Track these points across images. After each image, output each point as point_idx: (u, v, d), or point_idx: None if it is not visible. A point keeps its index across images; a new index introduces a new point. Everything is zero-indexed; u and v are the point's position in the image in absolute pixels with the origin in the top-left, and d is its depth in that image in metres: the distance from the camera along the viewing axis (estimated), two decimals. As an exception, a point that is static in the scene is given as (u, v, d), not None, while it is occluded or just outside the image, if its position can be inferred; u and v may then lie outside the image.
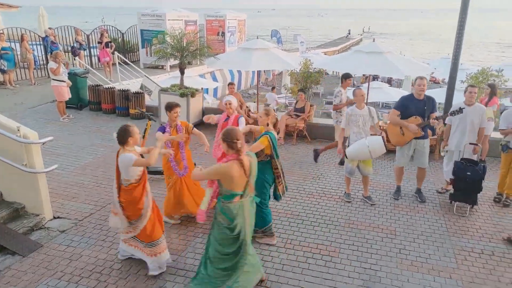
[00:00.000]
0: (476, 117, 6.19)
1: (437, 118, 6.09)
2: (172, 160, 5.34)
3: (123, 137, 4.10)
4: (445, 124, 6.65)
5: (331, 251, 5.02)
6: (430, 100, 6.25)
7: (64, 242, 5.02)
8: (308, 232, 5.43)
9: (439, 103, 9.99)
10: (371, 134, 6.25)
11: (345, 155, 6.28)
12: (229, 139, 3.77)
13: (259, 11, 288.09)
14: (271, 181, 4.97)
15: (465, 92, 6.36)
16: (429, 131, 6.56)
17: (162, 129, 5.37)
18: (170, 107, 5.33)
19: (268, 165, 4.87)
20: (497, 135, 8.62)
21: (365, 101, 6.57)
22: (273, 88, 18.65)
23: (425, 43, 63.79)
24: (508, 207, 6.37)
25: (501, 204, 6.44)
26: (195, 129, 5.55)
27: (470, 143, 6.20)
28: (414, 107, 6.22)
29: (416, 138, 6.26)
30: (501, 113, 13.47)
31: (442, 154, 6.77)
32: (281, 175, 4.97)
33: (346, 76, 8.26)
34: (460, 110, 6.01)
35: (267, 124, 4.93)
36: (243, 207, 3.87)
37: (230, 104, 5.98)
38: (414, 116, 6.19)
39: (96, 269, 4.53)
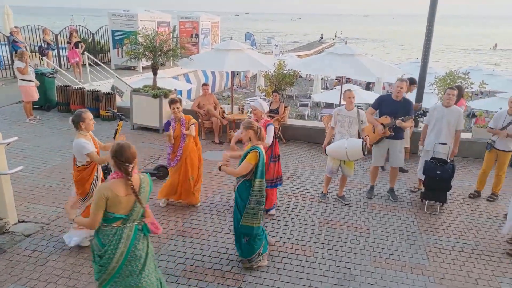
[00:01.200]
0: (453, 119, 6.28)
1: (402, 120, 6.14)
2: (170, 148, 5.88)
3: (75, 121, 4.43)
4: (415, 125, 6.79)
5: (306, 250, 5.01)
6: (406, 103, 6.33)
7: (30, 247, 4.81)
8: (283, 232, 5.41)
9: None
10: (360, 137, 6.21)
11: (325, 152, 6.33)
12: (119, 159, 3.07)
13: (236, 14, 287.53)
14: (262, 204, 4.40)
15: (443, 94, 6.50)
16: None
17: (168, 123, 5.80)
18: (169, 103, 5.79)
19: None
20: (464, 135, 8.92)
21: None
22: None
23: (394, 48, 65.42)
24: (493, 202, 6.66)
25: (489, 199, 6.71)
26: (192, 126, 5.83)
27: (440, 143, 6.33)
28: (389, 107, 6.31)
29: (389, 138, 6.33)
30: (468, 115, 14.08)
31: (418, 153, 6.87)
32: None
33: (412, 81, 7.91)
34: (424, 113, 6.18)
35: (250, 139, 4.40)
36: (121, 234, 3.14)
37: (255, 109, 5.62)
38: (385, 116, 6.30)
39: (64, 273, 4.34)
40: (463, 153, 8.48)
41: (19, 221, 5.32)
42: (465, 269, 4.76)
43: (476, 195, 6.81)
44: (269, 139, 5.37)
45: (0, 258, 4.56)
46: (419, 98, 8.51)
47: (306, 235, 5.39)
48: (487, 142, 6.59)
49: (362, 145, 5.84)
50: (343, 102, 6.59)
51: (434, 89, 9.63)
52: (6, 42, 14.73)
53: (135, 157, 3.13)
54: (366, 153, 5.91)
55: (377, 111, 6.54)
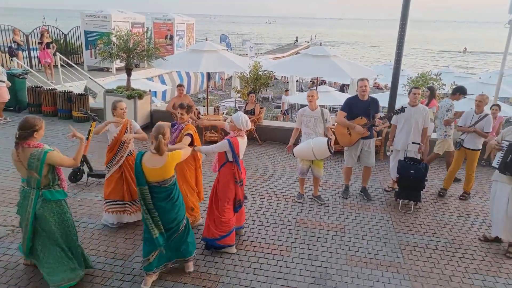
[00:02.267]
0: (420, 117, 6.48)
1: (381, 118, 6.31)
2: None
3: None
4: (390, 124, 6.91)
5: (282, 250, 5.01)
6: (374, 101, 6.47)
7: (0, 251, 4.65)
8: (259, 233, 5.40)
9: (383, 107, 10.43)
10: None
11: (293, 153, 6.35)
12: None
13: (215, 17, 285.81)
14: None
15: (409, 93, 6.67)
16: (375, 132, 6.77)
17: (173, 125, 5.39)
18: (179, 107, 5.36)
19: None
20: (436, 135, 9.12)
21: None
22: (286, 90, 18.91)
23: (368, 51, 66.64)
24: (465, 200, 6.81)
25: (461, 198, 6.87)
26: (186, 136, 5.10)
27: (413, 143, 6.47)
28: (359, 107, 6.40)
29: (362, 138, 6.43)
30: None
31: (388, 153, 7.02)
32: None
33: (461, 91, 7.64)
34: (403, 109, 6.28)
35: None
36: (24, 195, 3.88)
37: (231, 122, 4.91)
38: (360, 117, 6.37)
39: (35, 277, 4.20)
40: (435, 152, 8.68)
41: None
42: (439, 267, 4.86)
43: (444, 193, 6.98)
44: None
45: (-33, 262, 4.37)
46: (393, 99, 8.68)
47: (283, 235, 5.39)
48: (456, 141, 6.77)
49: (328, 143, 5.90)
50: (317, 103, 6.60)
51: (407, 90, 9.83)
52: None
53: (24, 129, 3.72)
54: (332, 151, 6.00)
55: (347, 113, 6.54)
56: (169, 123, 4.77)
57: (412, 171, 6.22)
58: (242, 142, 4.77)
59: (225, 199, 4.73)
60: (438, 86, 9.41)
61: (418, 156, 6.57)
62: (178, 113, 5.28)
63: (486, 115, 6.49)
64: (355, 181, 7.29)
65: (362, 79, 6.44)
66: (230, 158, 4.69)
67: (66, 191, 4.08)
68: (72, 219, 4.13)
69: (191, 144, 5.08)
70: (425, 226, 5.87)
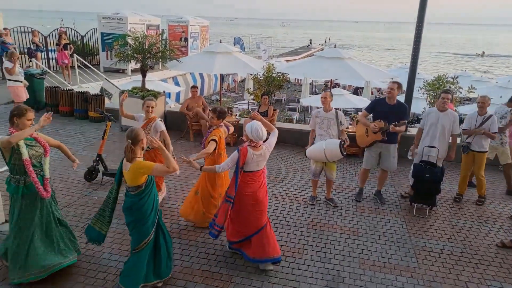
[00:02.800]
0: (448, 123, 6.25)
1: (395, 125, 6.14)
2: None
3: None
4: (406, 130, 6.77)
5: (294, 252, 4.99)
6: (401, 106, 6.25)
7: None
8: (272, 234, 5.38)
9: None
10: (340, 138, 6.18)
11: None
12: None
13: (231, 19, 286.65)
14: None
15: (438, 97, 6.50)
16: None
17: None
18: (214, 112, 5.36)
19: None
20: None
21: None
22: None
23: (383, 54, 66.08)
24: (481, 205, 6.67)
25: (477, 203, 6.73)
26: (211, 142, 5.16)
27: (429, 146, 6.34)
28: (383, 111, 6.23)
29: (382, 142, 6.27)
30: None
31: (409, 157, 6.87)
32: None
33: None
34: (418, 120, 6.18)
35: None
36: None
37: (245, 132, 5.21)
38: (379, 120, 6.22)
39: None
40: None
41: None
42: (454, 272, 4.77)
43: (460, 198, 6.85)
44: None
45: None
46: (408, 102, 8.58)
47: (295, 237, 5.36)
48: (463, 145, 6.63)
49: (340, 145, 5.83)
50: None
51: (423, 93, 9.72)
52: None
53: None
54: (344, 154, 5.91)
55: (371, 114, 6.49)
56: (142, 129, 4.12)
57: (427, 175, 6.13)
58: (253, 153, 4.37)
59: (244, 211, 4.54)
60: (455, 89, 9.26)
61: (439, 163, 6.34)
62: (209, 116, 5.31)
63: (490, 116, 6.41)
64: (369, 184, 7.21)
65: (393, 82, 6.31)
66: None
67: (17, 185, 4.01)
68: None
69: (215, 149, 5.13)
70: (440, 231, 5.77)
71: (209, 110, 5.26)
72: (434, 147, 6.31)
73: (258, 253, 4.46)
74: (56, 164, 7.29)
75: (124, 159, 3.83)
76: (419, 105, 11.23)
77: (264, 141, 4.51)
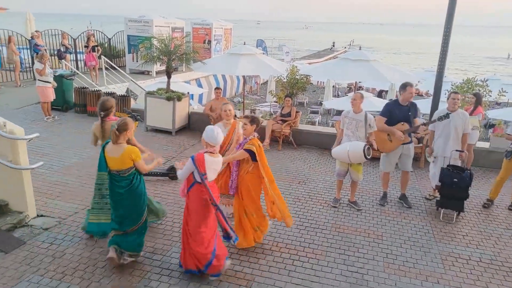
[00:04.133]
0: (460, 123, 6.24)
1: (424, 124, 6.10)
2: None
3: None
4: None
5: (317, 254, 4.95)
6: (413, 106, 6.33)
7: (47, 240, 4.91)
8: (294, 235, 5.36)
9: (424, 114, 10.12)
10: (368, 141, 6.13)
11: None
12: None
13: (258, 22, 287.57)
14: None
15: (447, 99, 6.43)
16: (415, 139, 6.58)
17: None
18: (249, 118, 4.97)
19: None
20: (481, 144, 8.77)
21: None
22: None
23: (409, 57, 65.00)
24: None
25: (510, 208, 6.57)
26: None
27: (457, 150, 6.23)
28: (399, 113, 6.25)
29: (403, 143, 6.27)
30: (485, 125, 13.85)
31: (429, 160, 6.79)
32: None
33: None
34: (447, 115, 6.05)
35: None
36: None
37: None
38: (401, 123, 6.20)
39: (80, 267, 4.42)
40: (480, 162, 8.35)
41: (37, 215, 5.44)
42: (483, 280, 4.63)
43: (490, 204, 6.66)
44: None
45: (21, 250, 4.68)
46: (435, 106, 8.40)
47: (318, 239, 5.33)
48: (507, 150, 6.48)
49: (365, 148, 5.78)
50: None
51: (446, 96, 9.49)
52: (28, 46, 15.14)
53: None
54: (369, 157, 5.85)
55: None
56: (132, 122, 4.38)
57: (455, 180, 5.98)
58: (211, 160, 4.11)
59: (197, 226, 4.18)
60: (484, 93, 9.01)
61: (460, 164, 6.30)
62: (243, 123, 4.86)
63: None
64: (393, 188, 7.09)
65: (411, 85, 6.28)
66: (198, 179, 4.09)
67: None
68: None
69: (254, 160, 4.73)
70: (468, 237, 5.62)
71: (243, 117, 4.97)
72: (463, 151, 6.19)
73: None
74: (85, 163, 7.48)
75: (109, 147, 4.16)
76: (446, 108, 10.97)
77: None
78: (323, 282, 4.40)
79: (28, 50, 15.14)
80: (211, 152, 4.16)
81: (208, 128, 4.19)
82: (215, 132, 4.13)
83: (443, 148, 6.35)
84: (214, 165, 4.17)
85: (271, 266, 4.61)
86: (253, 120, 4.84)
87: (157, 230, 5.26)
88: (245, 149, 4.71)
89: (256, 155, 4.71)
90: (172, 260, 4.61)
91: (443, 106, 9.23)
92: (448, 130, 6.28)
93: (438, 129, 6.41)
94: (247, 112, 11.24)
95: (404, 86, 6.29)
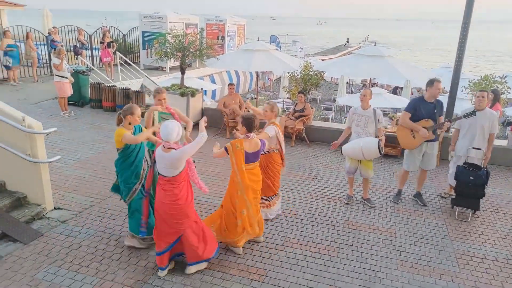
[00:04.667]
0: (487, 122, 6.05)
1: (449, 121, 5.95)
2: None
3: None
4: (448, 129, 6.55)
5: (330, 250, 4.94)
6: (439, 103, 6.15)
7: (64, 232, 5.03)
8: (306, 232, 5.36)
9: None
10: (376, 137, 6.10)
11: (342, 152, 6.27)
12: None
13: (273, 18, 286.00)
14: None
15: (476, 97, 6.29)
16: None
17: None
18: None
19: None
20: (499, 142, 8.60)
21: None
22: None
23: (425, 53, 64.01)
24: None
25: None
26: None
27: (474, 148, 6.11)
28: (424, 109, 6.08)
29: (426, 140, 6.13)
30: (502, 123, 13.58)
31: (449, 159, 6.65)
32: None
33: None
34: (473, 113, 5.91)
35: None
36: None
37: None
38: (426, 119, 6.06)
39: (96, 258, 4.52)
40: (497, 160, 8.19)
41: (54, 208, 5.58)
42: (499, 279, 4.57)
43: None
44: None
45: (39, 241, 4.80)
46: (452, 102, 8.27)
47: (330, 235, 5.31)
48: None
49: (379, 144, 5.76)
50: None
51: (468, 93, 9.35)
52: (45, 42, 15.39)
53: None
54: (382, 153, 5.83)
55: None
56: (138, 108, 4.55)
57: (471, 178, 5.89)
58: (161, 154, 4.04)
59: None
60: (503, 90, 8.83)
61: (481, 163, 6.13)
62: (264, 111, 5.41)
63: None
64: (407, 185, 7.01)
65: (438, 81, 6.12)
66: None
67: None
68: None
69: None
70: (483, 235, 5.54)
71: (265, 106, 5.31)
72: (480, 149, 6.08)
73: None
74: (100, 157, 7.59)
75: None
76: (463, 105, 10.81)
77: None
78: (335, 278, 4.39)
79: (45, 46, 15.37)
80: (168, 148, 4.03)
81: (163, 124, 4.06)
82: (169, 129, 3.99)
83: (468, 147, 6.17)
84: (162, 159, 4.03)
85: (283, 262, 4.63)
86: (244, 120, 4.62)
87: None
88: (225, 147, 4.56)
89: (229, 154, 4.49)
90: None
91: (460, 103, 9.15)
92: (474, 129, 6.10)
93: (464, 127, 6.24)
94: (260, 108, 11.22)
95: (432, 82, 6.08)
